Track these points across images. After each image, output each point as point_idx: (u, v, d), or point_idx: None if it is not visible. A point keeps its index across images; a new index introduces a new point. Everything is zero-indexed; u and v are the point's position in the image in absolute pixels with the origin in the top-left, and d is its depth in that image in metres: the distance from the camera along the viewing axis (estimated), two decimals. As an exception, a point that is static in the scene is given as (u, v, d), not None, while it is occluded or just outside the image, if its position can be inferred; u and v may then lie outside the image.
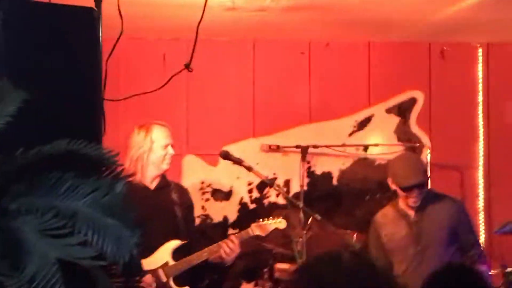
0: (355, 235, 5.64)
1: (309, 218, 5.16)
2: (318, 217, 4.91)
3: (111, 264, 2.25)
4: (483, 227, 6.57)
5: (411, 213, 5.30)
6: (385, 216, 5.43)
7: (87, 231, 2.18)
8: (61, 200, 2.24)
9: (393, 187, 5.31)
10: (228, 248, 5.15)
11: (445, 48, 6.62)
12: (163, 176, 5.29)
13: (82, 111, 3.15)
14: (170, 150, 5.25)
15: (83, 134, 2.72)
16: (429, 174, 5.27)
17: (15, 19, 3.08)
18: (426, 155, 6.50)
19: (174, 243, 5.12)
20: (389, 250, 5.29)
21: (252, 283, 6.39)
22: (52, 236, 2.17)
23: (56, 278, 2.08)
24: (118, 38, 3.65)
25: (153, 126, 5.27)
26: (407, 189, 5.20)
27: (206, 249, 5.16)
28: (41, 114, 2.86)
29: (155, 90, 4.09)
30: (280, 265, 5.86)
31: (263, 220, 5.33)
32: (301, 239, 5.05)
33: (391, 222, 5.34)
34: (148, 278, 5.02)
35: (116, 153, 2.51)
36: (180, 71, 4.01)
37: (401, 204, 5.35)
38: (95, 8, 3.26)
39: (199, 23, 3.87)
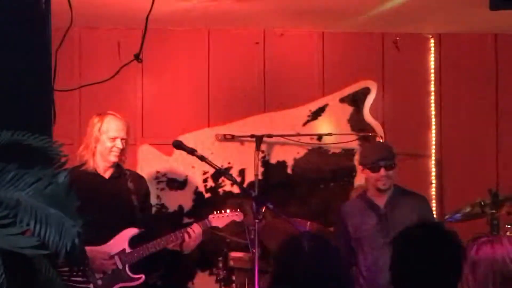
0: (308, 223, 5.70)
1: (262, 207, 5.18)
2: (271, 206, 4.93)
3: (56, 254, 2.27)
4: (436, 215, 6.64)
5: (381, 204, 5.33)
6: (353, 206, 5.45)
7: (29, 221, 2.20)
8: (4, 191, 2.26)
9: (363, 173, 5.39)
10: (192, 235, 5.18)
11: (398, 38, 6.68)
12: (118, 166, 5.29)
13: (30, 102, 3.14)
14: (118, 144, 5.21)
15: (31, 125, 2.72)
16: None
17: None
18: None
19: (131, 231, 5.14)
20: (356, 239, 5.31)
21: (207, 272, 6.43)
22: (-5, 227, 2.19)
23: (-2, 268, 2.10)
24: (68, 29, 3.67)
25: (106, 117, 5.25)
26: (373, 167, 5.23)
27: (163, 237, 5.19)
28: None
29: (106, 80, 4.11)
30: (234, 254, 5.90)
31: (221, 212, 5.36)
32: (253, 228, 5.07)
33: (358, 212, 5.36)
34: (107, 263, 5.05)
35: (60, 144, 2.52)
36: (130, 62, 4.02)
37: (370, 194, 5.40)
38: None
39: (149, 13, 3.89)
